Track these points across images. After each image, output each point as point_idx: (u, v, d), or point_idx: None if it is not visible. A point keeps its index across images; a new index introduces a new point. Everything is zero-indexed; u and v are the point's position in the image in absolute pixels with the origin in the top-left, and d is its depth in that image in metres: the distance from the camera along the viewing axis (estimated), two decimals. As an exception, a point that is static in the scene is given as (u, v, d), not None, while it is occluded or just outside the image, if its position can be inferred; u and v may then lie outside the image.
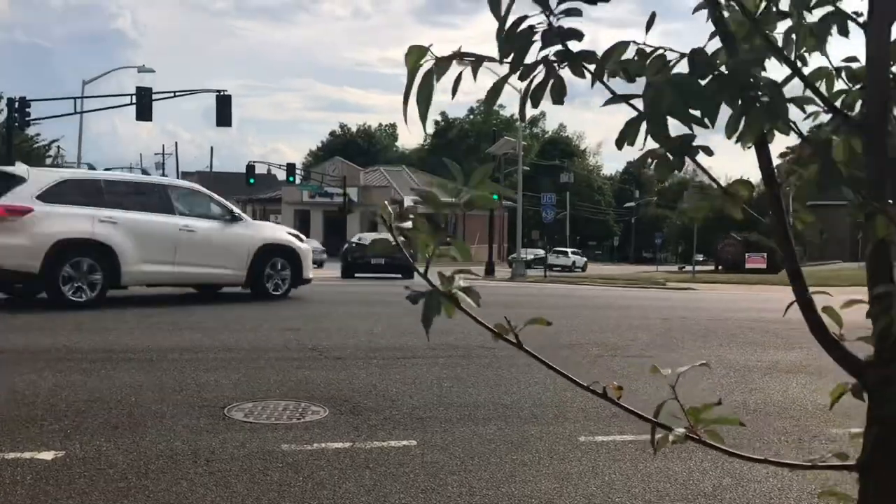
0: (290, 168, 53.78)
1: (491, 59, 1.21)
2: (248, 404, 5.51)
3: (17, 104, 33.21)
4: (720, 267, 54.56)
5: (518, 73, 1.21)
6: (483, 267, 36.07)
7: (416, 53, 1.22)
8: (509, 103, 70.56)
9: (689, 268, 53.86)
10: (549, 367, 1.50)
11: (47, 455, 4.21)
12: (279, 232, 14.63)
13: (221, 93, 33.93)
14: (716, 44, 1.30)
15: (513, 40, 1.17)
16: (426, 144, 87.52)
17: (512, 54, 1.19)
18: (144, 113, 33.23)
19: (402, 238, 1.24)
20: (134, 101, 33.40)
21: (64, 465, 4.07)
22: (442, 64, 1.21)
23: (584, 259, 63.15)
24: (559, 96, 1.22)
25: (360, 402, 5.67)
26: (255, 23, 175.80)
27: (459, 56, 1.22)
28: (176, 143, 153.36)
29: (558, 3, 1.17)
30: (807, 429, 5.38)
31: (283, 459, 4.28)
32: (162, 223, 12.53)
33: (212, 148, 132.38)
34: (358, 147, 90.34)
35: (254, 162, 53.12)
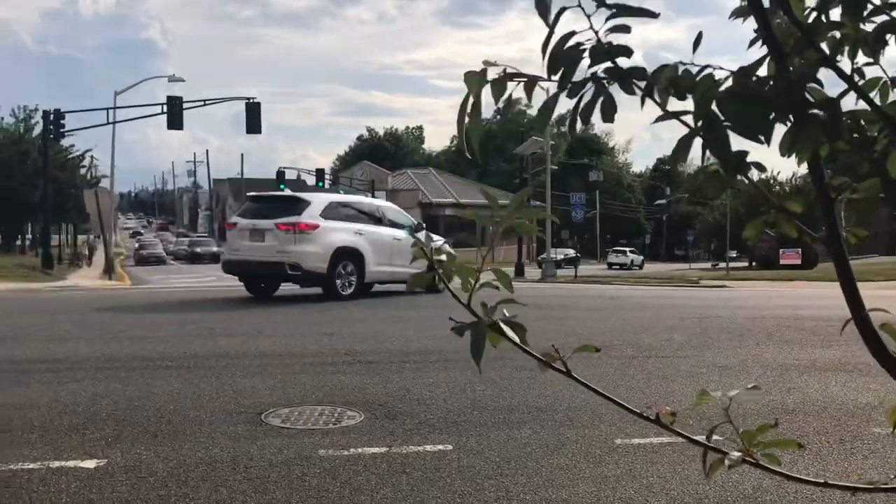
0: (320, 173, 54.26)
1: (542, 79, 1.20)
2: (285, 410, 5.55)
3: (51, 116, 33.83)
4: (754, 263, 53.87)
5: (566, 90, 1.19)
6: (512, 268, 36.00)
7: (476, 79, 1.21)
8: (537, 103, 70.14)
9: (722, 265, 53.31)
10: (599, 395, 1.49)
11: (90, 463, 4.28)
12: (441, 241, 17.62)
13: (251, 100, 34.27)
14: (756, 51, 1.27)
15: (561, 58, 1.15)
16: (452, 146, 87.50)
17: (560, 71, 1.17)
18: (175, 122, 33.68)
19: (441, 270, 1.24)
20: (165, 110, 33.85)
21: (106, 473, 4.14)
22: (497, 85, 1.21)
23: (641, 257, 65.08)
24: (610, 114, 1.20)
25: (395, 407, 5.69)
26: (281, 30, 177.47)
27: (510, 77, 1.21)
28: (207, 150, 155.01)
29: (606, 20, 1.16)
30: (848, 428, 5.29)
31: (320, 465, 4.31)
32: (384, 234, 16.04)
33: (242, 155, 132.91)
34: (385, 151, 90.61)
35: (284, 168, 53.78)
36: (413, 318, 11.89)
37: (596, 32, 1.16)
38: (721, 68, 1.20)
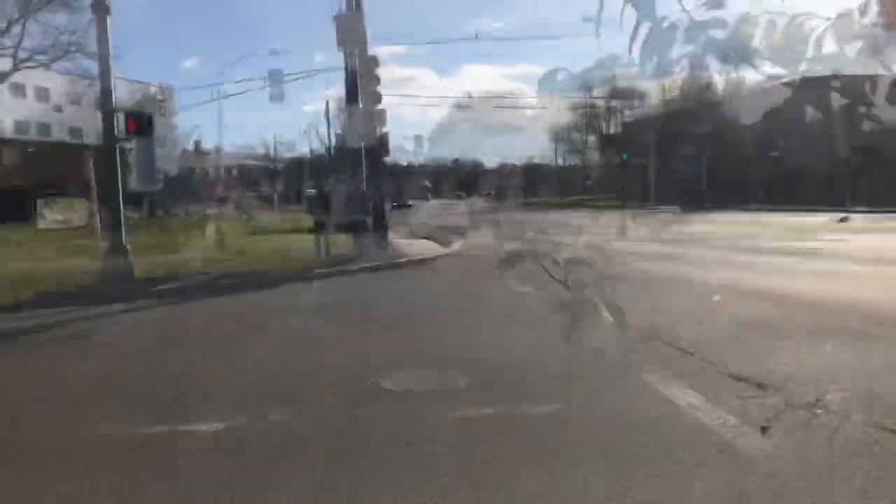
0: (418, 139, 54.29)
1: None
2: (396, 373, 5.58)
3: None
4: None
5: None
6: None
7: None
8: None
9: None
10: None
11: (209, 427, 4.48)
12: None
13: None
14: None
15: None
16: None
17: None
18: (277, 96, 34.43)
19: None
20: (267, 84, 34.65)
21: (225, 437, 4.33)
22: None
23: None
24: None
25: (500, 371, 5.68)
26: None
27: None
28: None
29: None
30: None
31: (430, 425, 4.38)
32: None
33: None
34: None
35: (379, 135, 54.43)
36: (515, 287, 11.76)
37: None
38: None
